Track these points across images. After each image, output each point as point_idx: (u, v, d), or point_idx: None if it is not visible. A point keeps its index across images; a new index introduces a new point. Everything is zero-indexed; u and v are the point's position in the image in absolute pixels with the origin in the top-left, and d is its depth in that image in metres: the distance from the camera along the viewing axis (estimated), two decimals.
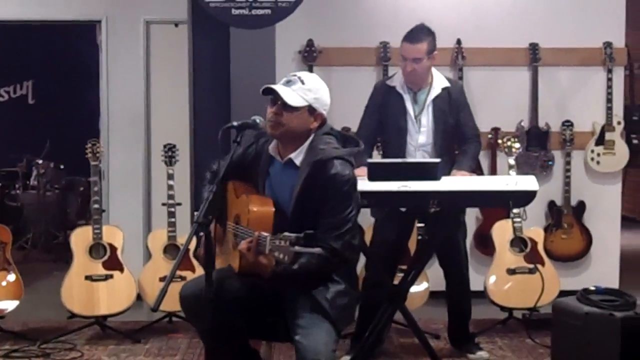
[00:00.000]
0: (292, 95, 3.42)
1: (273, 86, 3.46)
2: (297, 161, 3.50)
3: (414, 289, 5.27)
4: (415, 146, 5.01)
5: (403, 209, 4.88)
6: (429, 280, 5.75)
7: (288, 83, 3.47)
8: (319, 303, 3.41)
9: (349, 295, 3.52)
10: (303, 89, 3.46)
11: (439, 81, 5.03)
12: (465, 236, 5.23)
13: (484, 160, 6.52)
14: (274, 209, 3.44)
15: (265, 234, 3.15)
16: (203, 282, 3.23)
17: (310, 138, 3.52)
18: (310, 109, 3.48)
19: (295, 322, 3.34)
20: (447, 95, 5.02)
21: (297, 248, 2.98)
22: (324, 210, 3.39)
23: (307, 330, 3.30)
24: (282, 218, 3.42)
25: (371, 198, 4.27)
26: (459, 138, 5.11)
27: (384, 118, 5.07)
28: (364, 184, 4.33)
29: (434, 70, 5.05)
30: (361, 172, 4.47)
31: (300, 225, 3.22)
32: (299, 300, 3.41)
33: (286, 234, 3.02)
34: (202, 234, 3.12)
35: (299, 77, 3.49)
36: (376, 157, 5.44)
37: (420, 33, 4.92)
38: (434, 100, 5.00)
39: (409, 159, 4.92)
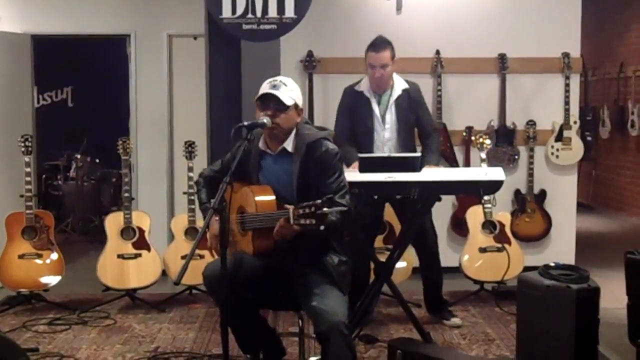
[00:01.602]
0: (284, 97, 3.45)
1: (270, 91, 3.46)
2: (290, 148, 3.54)
3: (398, 265, 5.27)
4: (382, 141, 5.04)
5: (375, 197, 4.90)
6: (411, 258, 5.75)
7: (275, 87, 3.48)
8: (327, 272, 3.44)
9: (346, 264, 3.56)
10: (288, 90, 3.50)
11: (399, 84, 5.06)
12: (430, 217, 5.23)
13: (459, 155, 6.53)
14: (274, 195, 3.47)
15: (289, 206, 3.19)
16: (213, 265, 3.28)
17: (295, 129, 3.56)
18: (295, 106, 3.53)
19: (309, 291, 3.35)
20: (407, 95, 5.04)
21: (325, 210, 3.05)
22: (323, 180, 3.44)
23: (321, 296, 3.31)
24: (283, 200, 3.45)
25: (362, 187, 4.28)
26: (421, 133, 5.15)
27: (354, 119, 5.09)
28: (356, 175, 4.35)
29: (395, 75, 5.06)
30: (356, 167, 4.50)
31: (305, 197, 3.31)
32: (308, 273, 3.42)
33: (305, 203, 3.10)
34: (217, 217, 3.14)
35: (281, 81, 3.52)
36: None
37: (383, 43, 4.96)
38: (396, 100, 5.02)
39: (394, 154, 4.93)
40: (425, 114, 5.19)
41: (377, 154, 4.95)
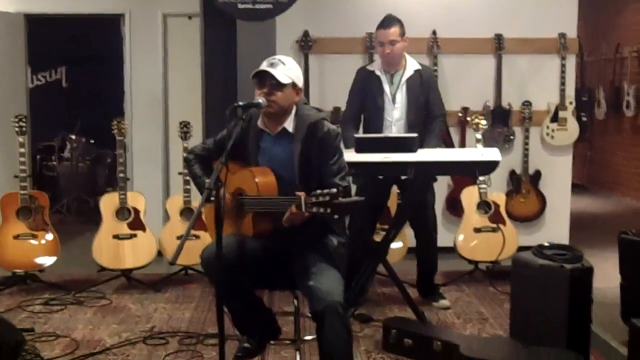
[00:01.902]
0: (280, 75, 3.43)
1: (267, 69, 3.44)
2: (290, 128, 3.52)
3: (393, 245, 5.30)
4: (391, 121, 5.04)
5: (381, 177, 4.92)
6: (407, 239, 5.78)
7: (272, 65, 3.45)
8: (326, 253, 3.44)
9: (345, 246, 3.56)
10: (286, 69, 3.46)
11: (412, 64, 5.06)
12: (434, 202, 5.25)
13: (454, 135, 6.54)
14: (274, 176, 3.46)
15: (300, 193, 3.18)
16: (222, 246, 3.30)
17: (294, 109, 3.54)
18: (293, 85, 3.50)
19: (306, 271, 3.35)
20: (419, 77, 5.04)
21: (342, 200, 3.05)
22: (324, 161, 3.44)
23: (318, 275, 3.31)
24: (282, 180, 3.44)
25: (358, 167, 4.29)
26: (427, 116, 5.12)
27: (365, 98, 5.09)
28: (353, 156, 4.36)
29: (407, 55, 5.07)
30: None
31: (306, 178, 3.34)
32: (307, 253, 3.43)
33: (319, 191, 3.09)
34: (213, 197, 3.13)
35: (280, 60, 3.49)
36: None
37: (391, 19, 4.97)
38: (407, 80, 5.02)
39: (390, 134, 4.94)
40: (436, 97, 5.15)
41: (374, 134, 4.95)
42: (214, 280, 3.50)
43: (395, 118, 5.04)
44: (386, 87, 5.04)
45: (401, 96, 5.03)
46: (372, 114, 5.08)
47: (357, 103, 5.14)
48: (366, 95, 5.08)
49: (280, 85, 3.44)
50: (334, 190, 3.07)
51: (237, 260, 3.39)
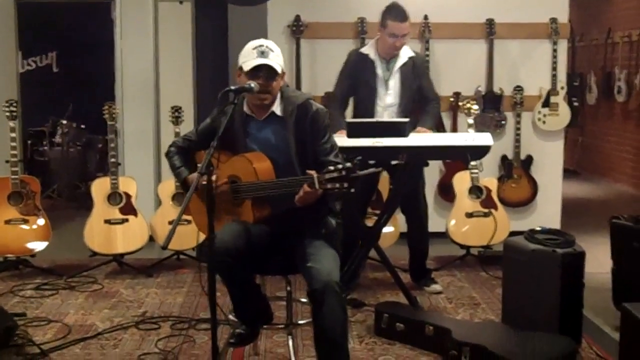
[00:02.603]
0: (275, 64, 3.41)
1: (263, 61, 3.38)
2: (279, 111, 3.50)
3: (385, 230, 5.29)
4: (383, 106, 5.02)
5: (371, 162, 4.90)
6: (398, 223, 5.77)
7: (263, 54, 3.40)
8: (325, 234, 3.45)
9: (341, 226, 3.57)
10: (276, 56, 3.43)
11: (406, 52, 5.04)
12: (424, 187, 5.25)
13: (446, 120, 6.52)
14: (269, 160, 3.44)
15: (311, 172, 3.16)
16: (228, 234, 3.31)
17: (279, 93, 3.52)
18: (282, 72, 3.49)
19: (305, 252, 3.34)
20: (412, 64, 5.03)
21: (359, 172, 3.06)
22: (317, 140, 3.43)
23: (317, 256, 3.30)
24: (276, 165, 3.43)
25: (349, 152, 4.26)
26: (421, 100, 5.10)
27: (357, 81, 5.06)
28: (344, 140, 4.35)
29: None
30: (342, 134, 4.49)
31: (303, 159, 3.35)
32: (307, 235, 3.42)
33: (331, 167, 3.09)
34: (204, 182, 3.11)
35: (268, 47, 3.44)
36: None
37: (404, 12, 4.93)
38: (401, 67, 5.01)
39: (382, 119, 4.93)
40: (429, 83, 5.17)
41: (366, 119, 4.92)
42: (220, 270, 3.41)
43: (387, 103, 5.02)
44: (380, 72, 5.01)
45: (394, 82, 5.02)
46: (364, 98, 5.06)
47: (346, 86, 5.11)
48: (358, 79, 5.05)
49: (275, 75, 3.41)
50: (349, 164, 3.06)
51: (244, 248, 3.36)
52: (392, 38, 4.92)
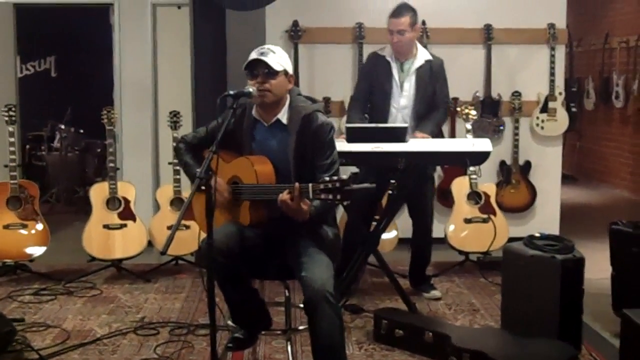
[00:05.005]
0: (273, 62, 3.41)
1: (261, 57, 3.41)
2: (284, 120, 3.50)
3: (385, 236, 5.28)
4: (397, 108, 5.03)
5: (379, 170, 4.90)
6: (398, 229, 5.76)
7: (263, 54, 3.42)
8: (320, 243, 3.44)
9: (339, 238, 3.57)
10: (276, 57, 3.44)
11: (423, 54, 5.05)
12: (433, 193, 5.26)
13: (444, 125, 6.50)
14: (272, 165, 3.46)
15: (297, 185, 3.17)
16: (222, 235, 3.32)
17: (288, 100, 3.53)
18: (286, 72, 3.48)
19: (300, 260, 3.33)
20: (429, 67, 5.03)
21: (353, 186, 3.05)
22: (318, 156, 3.43)
23: (311, 265, 3.29)
24: (277, 171, 3.44)
25: (349, 157, 4.27)
26: (430, 105, 5.09)
27: (373, 82, 5.07)
28: (344, 145, 4.34)
29: (419, 45, 5.06)
30: (342, 139, 4.47)
31: (301, 169, 3.35)
32: (301, 243, 3.41)
33: (326, 177, 3.09)
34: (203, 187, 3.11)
35: (269, 49, 3.47)
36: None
37: (402, 9, 4.95)
38: (417, 69, 5.01)
39: (381, 125, 4.92)
40: (443, 89, 5.14)
41: (364, 124, 4.92)
42: (213, 270, 3.42)
43: (401, 105, 5.02)
44: (395, 74, 5.02)
45: (409, 85, 5.02)
46: (378, 100, 5.06)
47: (366, 86, 5.12)
48: (375, 80, 5.06)
49: (273, 73, 3.42)
50: (344, 176, 3.06)
51: (238, 249, 3.38)
52: (390, 35, 4.95)
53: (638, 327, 3.00)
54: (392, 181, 5.17)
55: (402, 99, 5.02)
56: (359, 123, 4.91)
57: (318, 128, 3.44)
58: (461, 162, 4.72)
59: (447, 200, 6.21)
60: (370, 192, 4.19)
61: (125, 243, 5.65)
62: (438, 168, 6.45)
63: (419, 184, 4.95)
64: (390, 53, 5.05)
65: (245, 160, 3.48)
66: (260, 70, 3.41)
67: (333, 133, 3.50)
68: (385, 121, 4.98)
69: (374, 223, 5.10)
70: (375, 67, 5.08)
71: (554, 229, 6.54)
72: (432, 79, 5.03)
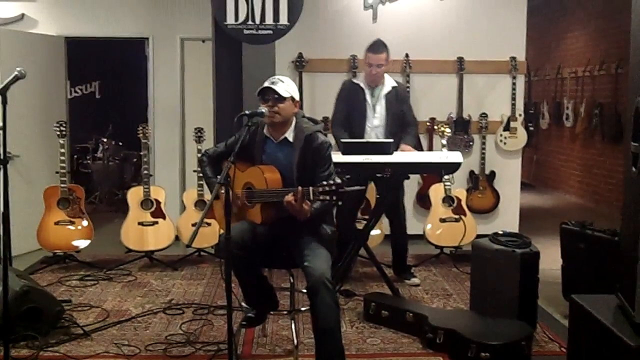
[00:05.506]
0: (281, 90, 3.44)
1: (271, 86, 3.45)
2: (290, 138, 3.53)
3: (373, 232, 5.27)
4: (371, 127, 5.05)
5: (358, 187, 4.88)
6: (383, 227, 5.75)
7: (273, 83, 3.47)
8: (319, 238, 3.44)
9: (336, 235, 3.57)
10: (285, 85, 3.48)
11: (389, 81, 5.07)
12: (403, 196, 5.25)
13: (424, 141, 6.51)
14: (279, 173, 3.49)
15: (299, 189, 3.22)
16: (238, 231, 3.35)
17: (294, 121, 3.55)
18: (292, 98, 3.50)
19: (303, 253, 3.34)
20: (395, 92, 5.06)
21: (347, 188, 3.11)
22: (317, 168, 3.44)
23: (313, 257, 3.31)
24: (283, 179, 3.47)
25: (344, 167, 4.27)
26: (403, 123, 5.10)
27: (350, 106, 5.08)
28: (340, 157, 4.35)
29: (385, 74, 5.06)
30: (338, 152, 4.47)
31: (303, 179, 3.36)
32: (303, 238, 3.42)
33: (325, 182, 3.14)
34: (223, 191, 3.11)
35: (279, 79, 3.51)
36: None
37: (380, 46, 4.96)
38: (386, 95, 5.03)
39: (372, 140, 4.94)
40: (409, 109, 5.19)
41: (358, 140, 4.92)
42: (230, 261, 3.42)
43: (374, 125, 5.04)
44: (369, 99, 5.04)
45: (380, 107, 5.03)
46: (355, 120, 5.07)
47: (344, 109, 5.12)
48: (351, 103, 5.07)
49: (281, 99, 3.45)
50: (339, 180, 3.12)
51: (251, 243, 3.41)
52: (369, 67, 4.96)
53: (584, 310, 2.99)
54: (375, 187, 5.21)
55: (375, 120, 5.04)
56: (348, 139, 4.91)
57: (318, 146, 3.46)
58: (437, 171, 4.74)
59: (426, 203, 6.20)
60: (359, 193, 4.21)
61: (157, 237, 5.64)
62: (417, 176, 6.46)
63: (394, 191, 4.95)
64: (364, 81, 5.06)
65: (257, 169, 3.50)
66: (271, 95, 3.45)
67: (330, 150, 3.52)
68: (362, 138, 5.00)
69: (364, 221, 5.10)
70: (351, 93, 5.09)
71: (515, 228, 6.53)
72: (399, 102, 5.06)
